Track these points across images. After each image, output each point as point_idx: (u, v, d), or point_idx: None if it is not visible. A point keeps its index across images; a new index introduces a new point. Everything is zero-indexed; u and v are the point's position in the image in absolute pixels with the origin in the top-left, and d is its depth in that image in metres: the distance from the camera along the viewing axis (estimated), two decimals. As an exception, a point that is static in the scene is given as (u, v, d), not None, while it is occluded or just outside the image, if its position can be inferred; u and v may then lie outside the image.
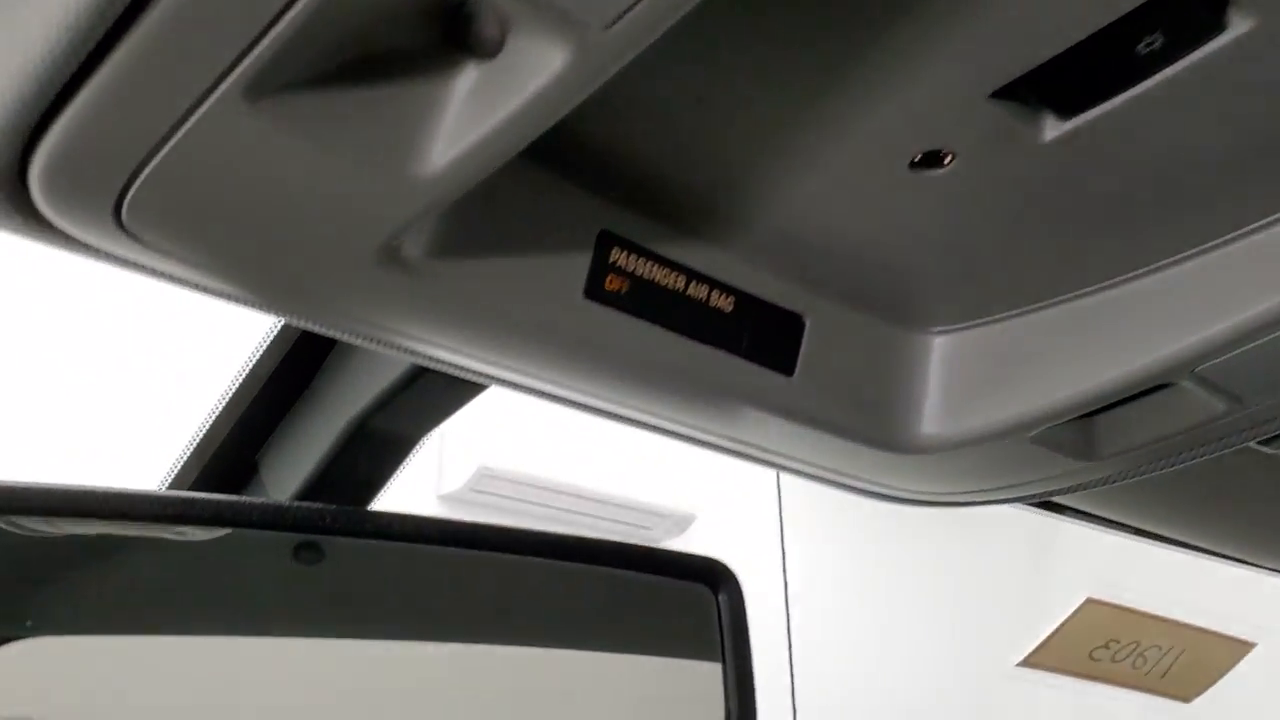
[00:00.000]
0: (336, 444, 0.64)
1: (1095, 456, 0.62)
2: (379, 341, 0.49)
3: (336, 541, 0.63)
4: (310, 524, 0.61)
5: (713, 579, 0.72)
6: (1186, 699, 1.60)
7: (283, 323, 0.66)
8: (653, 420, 0.57)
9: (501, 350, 0.48)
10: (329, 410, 0.66)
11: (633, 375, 0.51)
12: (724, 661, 0.70)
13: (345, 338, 0.48)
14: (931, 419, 0.60)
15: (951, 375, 0.60)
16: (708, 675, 0.71)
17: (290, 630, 0.61)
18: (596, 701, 0.69)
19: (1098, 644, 1.55)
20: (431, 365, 0.52)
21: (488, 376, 0.54)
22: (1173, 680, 1.54)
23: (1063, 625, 1.54)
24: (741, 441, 0.61)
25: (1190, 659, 1.56)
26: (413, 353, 0.50)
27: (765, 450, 0.62)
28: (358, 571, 0.64)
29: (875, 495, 0.72)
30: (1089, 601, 1.56)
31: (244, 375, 0.67)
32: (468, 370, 0.52)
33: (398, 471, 0.68)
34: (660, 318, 0.49)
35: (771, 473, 4.92)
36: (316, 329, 0.48)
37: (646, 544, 4.86)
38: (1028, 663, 1.40)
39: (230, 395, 0.66)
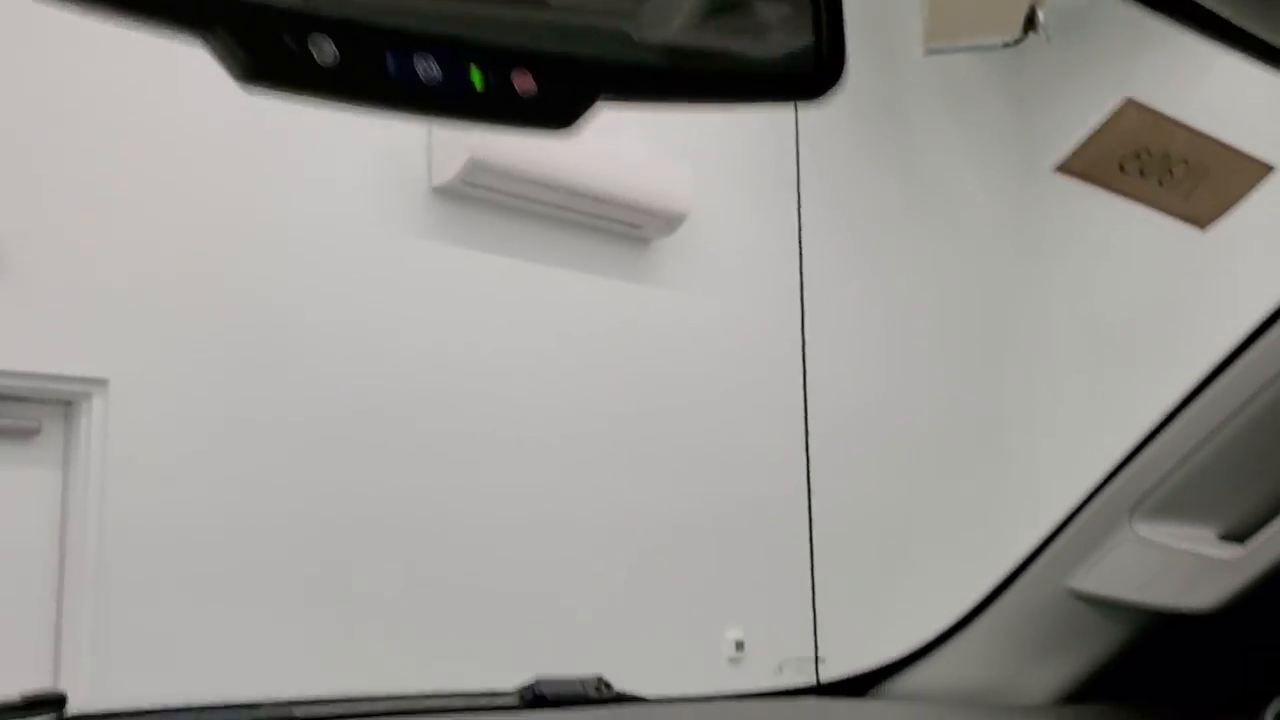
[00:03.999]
0: None
1: None
2: None
3: None
4: None
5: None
6: (1202, 226, 1.64)
7: None
8: None
9: None
10: None
11: None
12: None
13: None
14: None
15: None
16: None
17: None
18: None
19: (1128, 153, 1.58)
20: None
21: None
22: (1194, 204, 1.58)
23: (1099, 128, 1.57)
24: None
25: (1212, 183, 1.59)
26: None
27: None
28: None
29: None
30: (1129, 102, 1.58)
31: None
32: None
33: None
34: None
35: (771, 173, 4.87)
36: None
37: (637, 242, 4.92)
38: (1064, 169, 1.43)
39: None
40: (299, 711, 1.01)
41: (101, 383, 3.27)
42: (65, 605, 3.25)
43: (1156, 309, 5.12)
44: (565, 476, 4.02)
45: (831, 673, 1.29)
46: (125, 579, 3.23)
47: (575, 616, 3.91)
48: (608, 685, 1.17)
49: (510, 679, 3.74)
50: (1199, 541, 1.00)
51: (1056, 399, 5.56)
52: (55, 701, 0.89)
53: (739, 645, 4.35)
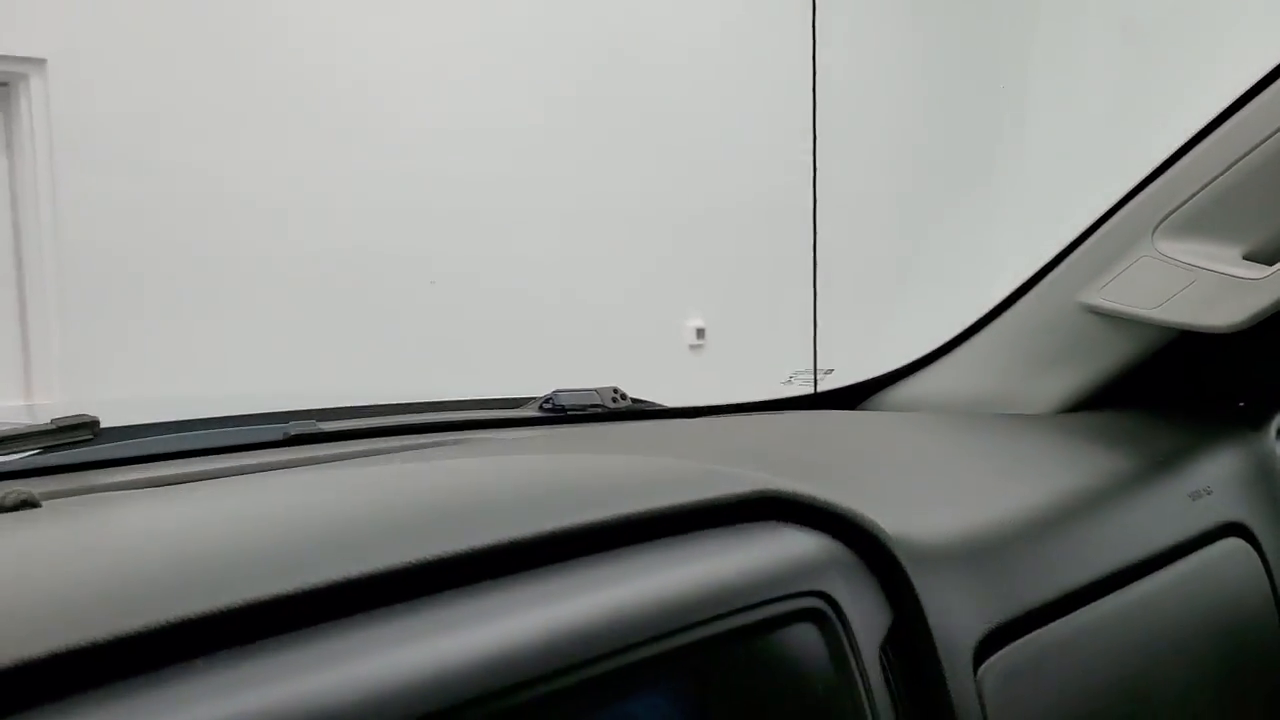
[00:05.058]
0: None
1: None
2: None
3: None
4: None
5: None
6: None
7: None
8: None
9: None
10: None
11: None
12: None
13: None
14: None
15: None
16: None
17: None
18: None
19: None
20: None
21: None
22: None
23: None
24: None
25: None
26: None
27: None
28: None
29: None
30: None
31: None
32: None
33: None
34: None
35: None
36: None
37: None
38: None
39: None
40: (325, 425, 1.01)
41: (39, 62, 3.10)
42: (28, 296, 3.22)
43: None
44: (528, 163, 3.95)
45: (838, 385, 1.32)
46: (87, 272, 3.19)
47: (541, 302, 3.96)
48: (623, 395, 1.19)
49: (482, 361, 3.85)
50: (1224, 261, 1.01)
51: (1081, 104, 5.39)
52: (89, 425, 0.88)
53: (700, 333, 4.45)
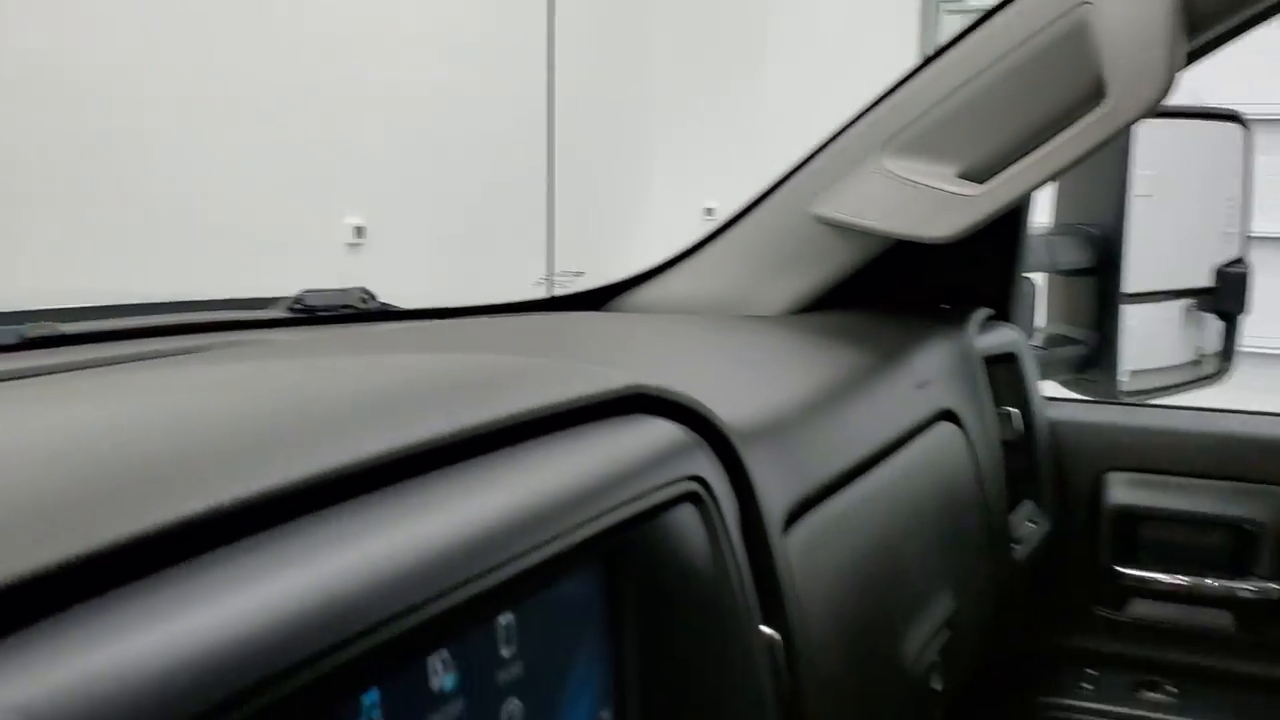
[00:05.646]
0: None
1: None
2: None
3: None
4: None
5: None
6: None
7: None
8: None
9: None
10: None
11: None
12: None
13: None
14: None
15: None
16: None
17: None
18: None
19: None
20: None
21: None
22: None
23: None
24: None
25: None
26: None
27: None
28: None
29: None
30: None
31: None
32: None
33: None
34: None
35: None
36: None
37: None
38: None
39: None
40: (65, 328, 0.93)
41: None
42: None
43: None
44: (166, 46, 3.65)
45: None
46: None
47: (183, 195, 3.71)
48: (371, 295, 1.16)
49: (135, 256, 3.54)
50: (941, 178, 1.12)
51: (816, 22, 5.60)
52: None
53: (359, 231, 4.34)
